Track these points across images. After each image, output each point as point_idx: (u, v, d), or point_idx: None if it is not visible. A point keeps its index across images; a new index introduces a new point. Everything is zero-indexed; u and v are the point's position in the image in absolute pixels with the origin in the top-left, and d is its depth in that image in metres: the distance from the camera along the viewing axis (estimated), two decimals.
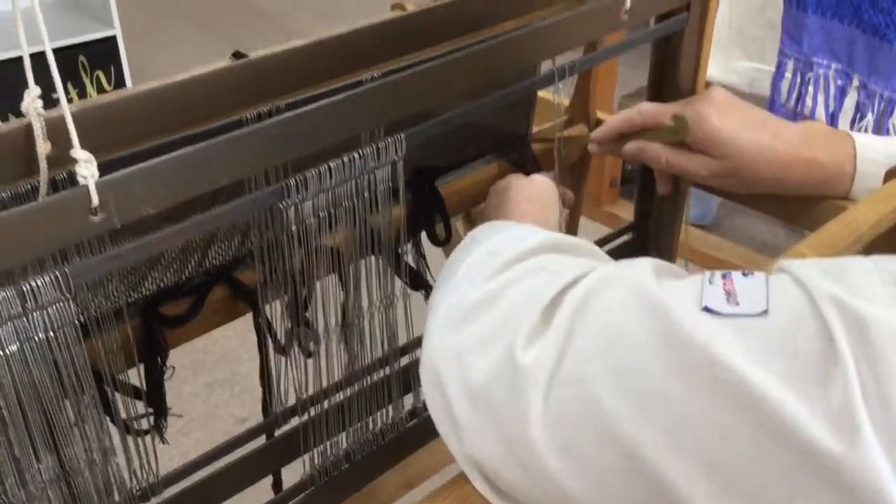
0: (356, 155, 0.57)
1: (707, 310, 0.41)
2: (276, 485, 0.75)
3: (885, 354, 0.37)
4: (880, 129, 1.58)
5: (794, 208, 0.81)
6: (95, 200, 0.45)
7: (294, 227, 0.57)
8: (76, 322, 0.49)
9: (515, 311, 0.48)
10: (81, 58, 2.39)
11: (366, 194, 0.60)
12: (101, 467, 0.55)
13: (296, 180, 0.54)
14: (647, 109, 0.79)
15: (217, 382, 1.84)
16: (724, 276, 0.44)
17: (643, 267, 0.47)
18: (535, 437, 0.44)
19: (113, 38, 2.44)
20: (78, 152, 0.44)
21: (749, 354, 0.39)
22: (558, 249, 0.54)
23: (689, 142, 0.76)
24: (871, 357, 0.37)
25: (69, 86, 2.37)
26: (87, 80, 2.43)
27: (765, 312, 0.40)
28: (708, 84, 0.85)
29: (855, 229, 0.66)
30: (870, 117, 1.62)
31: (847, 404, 0.37)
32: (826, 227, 0.66)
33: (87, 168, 0.44)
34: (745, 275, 0.44)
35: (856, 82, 1.64)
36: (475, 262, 0.55)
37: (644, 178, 0.87)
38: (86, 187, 0.44)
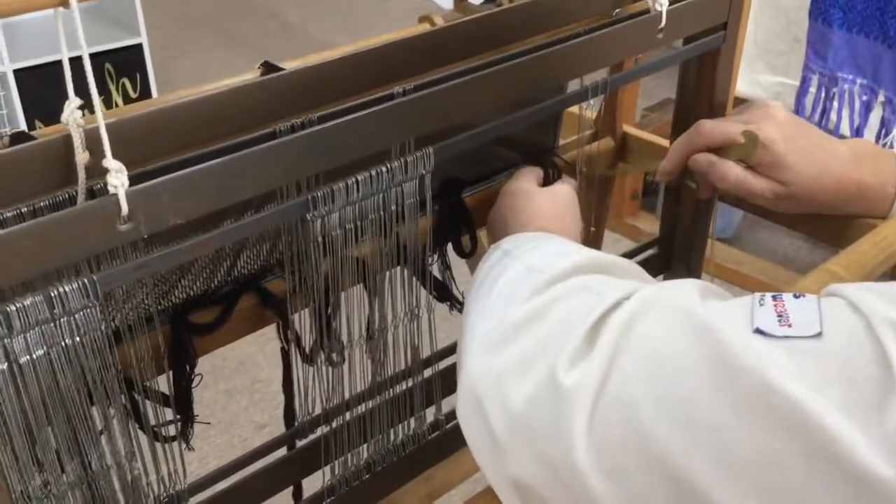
0: (384, 168, 0.57)
1: (759, 331, 0.41)
2: (297, 494, 0.75)
3: None
4: None
5: (827, 227, 0.81)
6: (125, 209, 0.45)
7: (320, 239, 0.57)
8: (104, 329, 0.49)
9: (558, 332, 0.48)
10: (108, 65, 2.42)
11: (393, 207, 0.60)
12: (127, 473, 0.55)
13: (323, 193, 0.55)
14: (709, 127, 0.76)
15: (236, 389, 1.85)
16: (774, 298, 0.43)
17: (688, 288, 0.46)
18: (579, 459, 0.44)
19: (139, 46, 2.47)
20: (110, 162, 0.45)
21: (804, 379, 0.38)
22: (600, 269, 0.54)
23: (754, 163, 0.74)
24: None
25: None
26: (112, 88, 2.46)
27: (819, 335, 0.40)
28: (737, 100, 0.84)
29: (885, 248, 0.66)
30: (895, 132, 1.61)
31: None
32: (857, 246, 0.66)
33: (117, 178, 0.45)
34: (796, 297, 0.43)
35: (881, 97, 1.63)
36: (513, 278, 0.55)
37: (669, 191, 0.87)
38: (115, 196, 0.45)
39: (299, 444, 0.70)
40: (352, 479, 0.69)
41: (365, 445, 0.69)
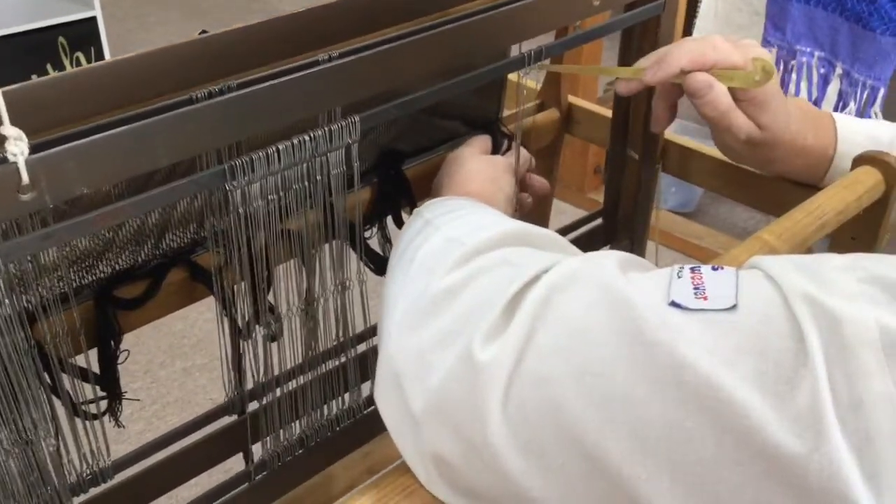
0: (307, 137, 0.56)
1: (674, 304, 0.40)
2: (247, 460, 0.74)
3: (858, 355, 0.35)
4: (862, 116, 1.57)
5: (767, 195, 0.81)
6: (25, 178, 0.44)
7: (241, 210, 0.55)
8: (11, 302, 0.48)
9: (476, 307, 0.47)
10: (61, 39, 2.37)
11: (318, 177, 0.58)
12: (43, 449, 0.54)
13: (242, 162, 0.53)
14: (724, 47, 0.69)
15: (195, 367, 1.83)
16: (692, 270, 0.43)
17: (608, 260, 0.45)
18: (494, 436, 0.43)
19: (93, 20, 2.42)
20: (7, 129, 0.43)
21: (715, 353, 0.38)
22: (523, 241, 0.53)
23: (747, 97, 0.69)
24: (843, 357, 0.36)
25: (49, 67, 2.35)
26: (66, 62, 2.41)
27: (734, 308, 0.39)
28: None
29: (819, 216, 0.65)
30: (852, 105, 1.61)
31: (815, 406, 0.35)
32: (790, 215, 0.65)
33: (16, 145, 0.43)
34: (714, 269, 0.43)
35: (839, 70, 1.63)
36: (433, 250, 0.53)
37: (614, 161, 0.86)
38: (15, 165, 0.43)
39: (229, 420, 0.69)
40: (284, 455, 0.68)
41: (298, 421, 0.68)
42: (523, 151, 0.77)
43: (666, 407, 0.38)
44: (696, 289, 0.41)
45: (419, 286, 0.51)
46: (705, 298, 0.40)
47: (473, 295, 0.48)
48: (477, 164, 0.70)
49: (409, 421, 0.48)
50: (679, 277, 0.42)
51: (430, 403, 0.47)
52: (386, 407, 0.51)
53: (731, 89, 0.69)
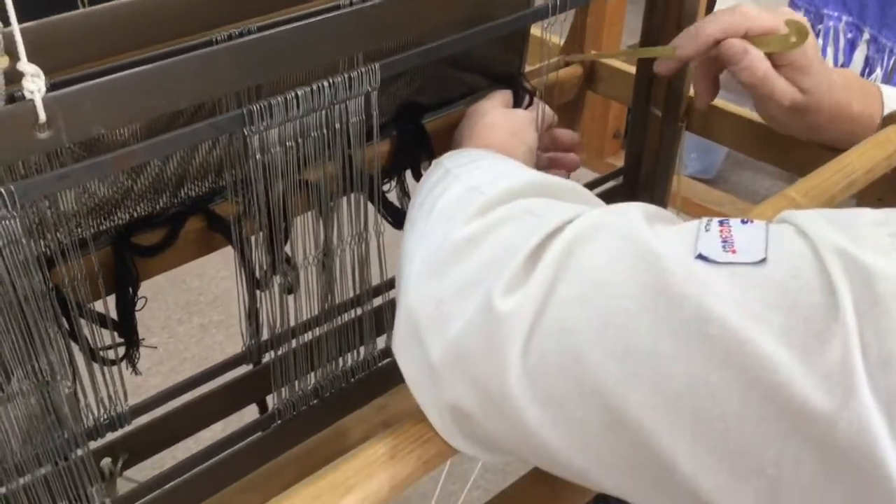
0: (325, 83, 0.55)
1: (701, 257, 0.39)
2: (262, 411, 0.74)
3: (890, 310, 0.34)
4: (889, 83, 1.54)
5: (795, 155, 0.79)
6: (42, 116, 0.43)
7: (259, 157, 0.55)
8: (30, 243, 0.48)
9: (497, 257, 0.46)
10: None
11: (337, 125, 0.58)
12: (61, 391, 0.54)
13: (260, 106, 0.53)
14: (755, 13, 0.68)
15: (212, 324, 1.84)
16: (721, 223, 0.42)
17: (634, 212, 0.44)
18: (513, 388, 0.43)
19: None
20: (25, 65, 0.42)
21: (743, 306, 0.37)
22: (545, 192, 0.52)
23: (785, 62, 0.69)
24: (875, 313, 0.35)
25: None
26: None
27: (763, 261, 0.38)
28: None
29: (847, 175, 0.64)
30: (878, 72, 1.58)
31: (845, 361, 0.34)
32: (818, 172, 0.64)
33: (34, 82, 0.42)
34: (743, 222, 0.42)
35: (866, 35, 1.60)
36: (454, 199, 0.52)
37: (636, 120, 0.85)
38: (32, 102, 0.43)
39: (247, 369, 0.69)
40: (300, 405, 0.68)
41: (313, 372, 0.68)
42: (546, 108, 0.76)
43: (690, 361, 0.38)
44: (724, 242, 0.40)
45: (438, 235, 0.50)
46: (734, 252, 0.39)
47: (495, 244, 0.47)
48: (498, 116, 0.69)
49: (427, 372, 0.48)
50: (707, 231, 0.41)
51: (449, 354, 0.46)
52: (404, 357, 0.50)
53: (769, 56, 0.68)
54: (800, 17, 0.69)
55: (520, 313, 0.43)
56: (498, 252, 0.47)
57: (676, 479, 0.39)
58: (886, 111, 0.73)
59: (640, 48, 0.79)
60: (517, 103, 0.79)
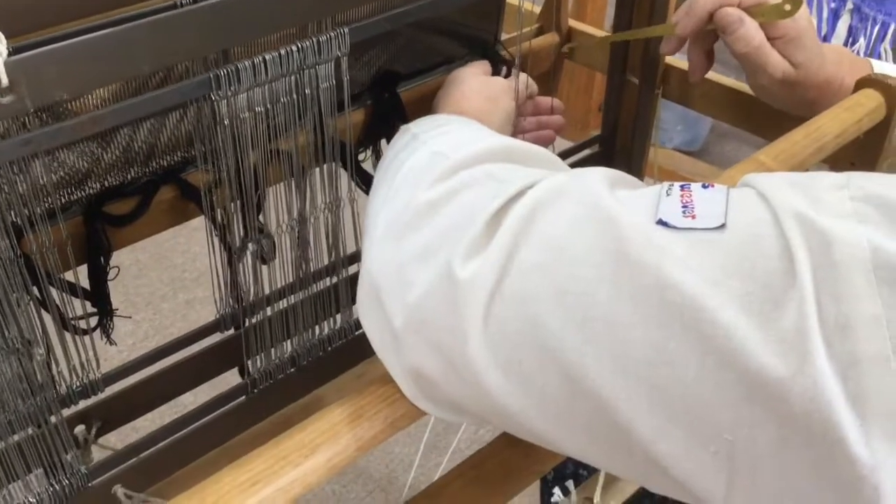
0: (294, 48, 0.55)
1: (661, 223, 0.39)
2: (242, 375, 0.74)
3: (848, 275, 0.34)
4: (872, 53, 1.54)
5: (772, 122, 0.79)
6: (4, 81, 0.43)
7: (228, 122, 0.55)
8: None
9: (458, 222, 0.46)
10: None
11: (307, 91, 0.57)
12: (33, 358, 0.54)
13: (227, 71, 0.52)
14: None
15: (197, 300, 1.84)
16: (682, 188, 0.42)
17: (596, 177, 0.44)
18: (473, 353, 0.43)
19: None
20: None
21: (701, 272, 0.37)
22: (510, 157, 0.51)
23: (779, 33, 0.69)
24: (832, 278, 0.34)
25: None
26: None
27: (722, 227, 0.38)
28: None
29: (818, 139, 0.64)
30: (862, 41, 1.58)
31: (800, 327, 0.34)
32: (788, 136, 0.64)
33: None
34: (704, 187, 0.41)
35: (849, 5, 1.60)
36: (418, 164, 0.52)
37: (612, 89, 0.85)
38: None
39: (221, 336, 0.69)
40: (276, 373, 0.69)
41: (289, 340, 0.68)
42: (527, 78, 0.75)
43: (648, 328, 0.38)
44: (684, 207, 0.40)
45: (402, 200, 0.50)
46: (693, 217, 0.39)
47: (455, 209, 0.47)
48: (475, 82, 0.69)
49: (391, 337, 0.48)
50: (668, 195, 0.41)
51: (411, 319, 0.46)
52: (368, 323, 0.50)
53: (763, 27, 0.69)
54: None
55: (479, 280, 0.43)
56: (458, 217, 0.46)
57: (635, 444, 0.39)
58: None
59: (641, 29, 0.79)
60: (495, 72, 0.79)
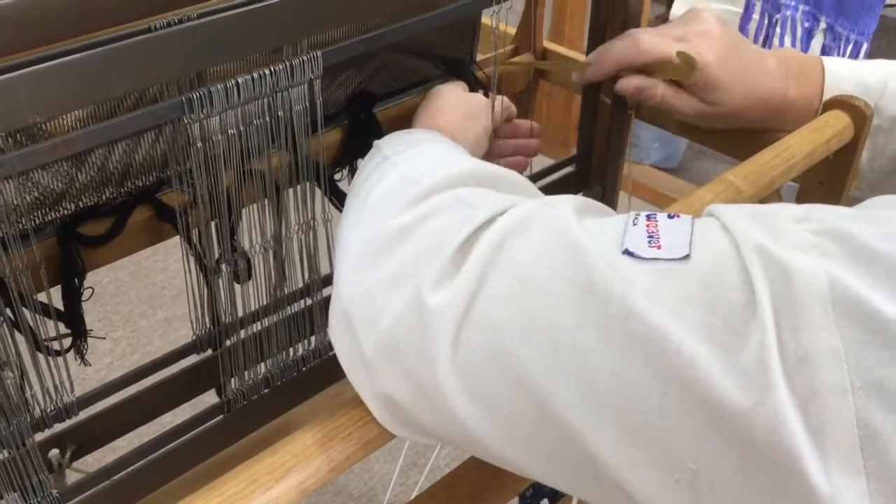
0: (267, 71, 0.55)
1: (627, 253, 0.39)
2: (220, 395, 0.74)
3: (807, 308, 0.34)
4: None
5: (739, 142, 0.80)
6: None
7: (200, 145, 0.55)
8: None
9: (427, 249, 0.46)
10: None
11: (280, 113, 0.58)
12: (5, 382, 0.54)
13: (200, 94, 0.53)
14: (647, 46, 0.73)
15: (176, 318, 1.83)
16: (648, 217, 0.42)
17: (565, 205, 0.44)
18: (443, 381, 0.43)
19: None
20: None
21: (665, 303, 0.37)
22: (483, 181, 0.51)
23: (689, 83, 0.73)
24: (792, 310, 0.35)
25: None
26: None
27: (686, 257, 0.38)
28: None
29: (787, 159, 0.65)
30: None
31: (761, 358, 0.34)
32: (757, 157, 0.65)
33: None
34: (670, 217, 0.42)
35: (823, 24, 1.62)
36: (389, 189, 0.52)
37: (587, 107, 0.86)
38: None
39: (198, 357, 0.69)
40: (250, 394, 0.68)
41: (264, 362, 0.68)
42: (506, 100, 0.76)
43: (612, 357, 0.38)
44: (650, 237, 0.40)
45: (371, 225, 0.50)
46: (659, 247, 0.39)
47: (425, 236, 0.47)
48: (454, 98, 0.70)
49: (361, 363, 0.48)
50: (634, 225, 0.42)
51: (381, 346, 0.46)
52: (340, 348, 0.51)
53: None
54: (687, 46, 0.72)
55: (449, 308, 0.43)
56: (428, 244, 0.46)
57: (601, 471, 0.39)
58: (828, 94, 0.74)
59: (559, 61, 0.87)
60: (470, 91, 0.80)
